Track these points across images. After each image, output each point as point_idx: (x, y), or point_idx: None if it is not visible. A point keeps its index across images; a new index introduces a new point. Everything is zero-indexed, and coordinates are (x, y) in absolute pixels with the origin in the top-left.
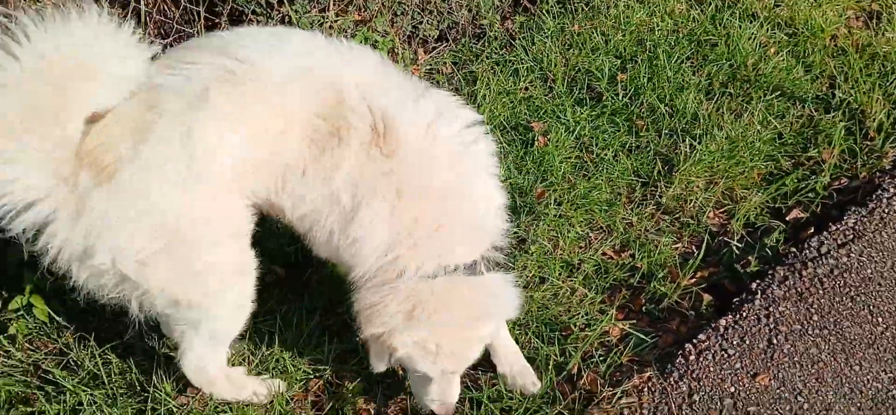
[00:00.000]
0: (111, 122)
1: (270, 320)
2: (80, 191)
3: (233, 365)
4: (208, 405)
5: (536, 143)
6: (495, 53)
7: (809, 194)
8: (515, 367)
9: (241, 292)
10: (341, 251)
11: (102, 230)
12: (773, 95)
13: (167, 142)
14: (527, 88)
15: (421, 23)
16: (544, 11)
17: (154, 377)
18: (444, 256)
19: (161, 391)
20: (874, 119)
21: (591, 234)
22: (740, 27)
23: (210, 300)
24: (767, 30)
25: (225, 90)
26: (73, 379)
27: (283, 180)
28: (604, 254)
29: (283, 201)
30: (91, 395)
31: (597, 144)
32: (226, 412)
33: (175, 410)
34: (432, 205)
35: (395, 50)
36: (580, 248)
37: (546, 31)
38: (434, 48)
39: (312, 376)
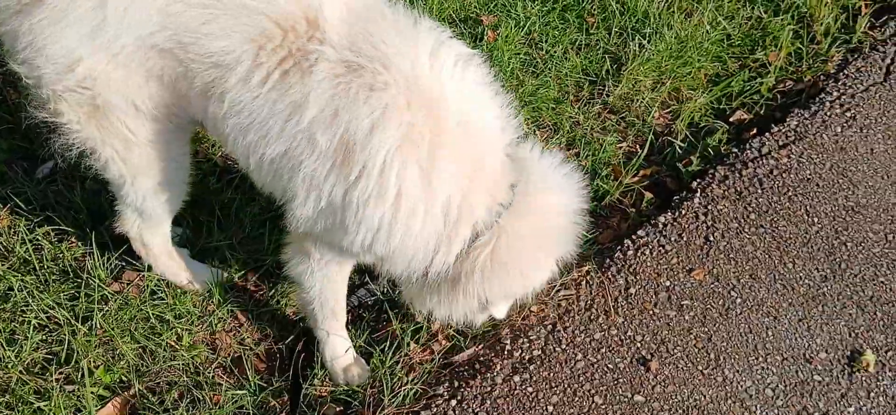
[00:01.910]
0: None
1: (208, 209)
2: None
3: None
4: (144, 291)
5: (486, 37)
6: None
7: (754, 96)
8: None
9: (163, 175)
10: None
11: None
12: None
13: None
14: None
15: None
16: None
17: (88, 263)
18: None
19: (95, 278)
20: (822, 23)
21: (537, 131)
22: None
23: (130, 172)
24: None
25: None
26: (2, 264)
27: None
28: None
29: None
30: (22, 280)
31: (546, 41)
32: (162, 299)
33: (109, 296)
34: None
35: None
36: None
37: None
38: None
39: (252, 266)
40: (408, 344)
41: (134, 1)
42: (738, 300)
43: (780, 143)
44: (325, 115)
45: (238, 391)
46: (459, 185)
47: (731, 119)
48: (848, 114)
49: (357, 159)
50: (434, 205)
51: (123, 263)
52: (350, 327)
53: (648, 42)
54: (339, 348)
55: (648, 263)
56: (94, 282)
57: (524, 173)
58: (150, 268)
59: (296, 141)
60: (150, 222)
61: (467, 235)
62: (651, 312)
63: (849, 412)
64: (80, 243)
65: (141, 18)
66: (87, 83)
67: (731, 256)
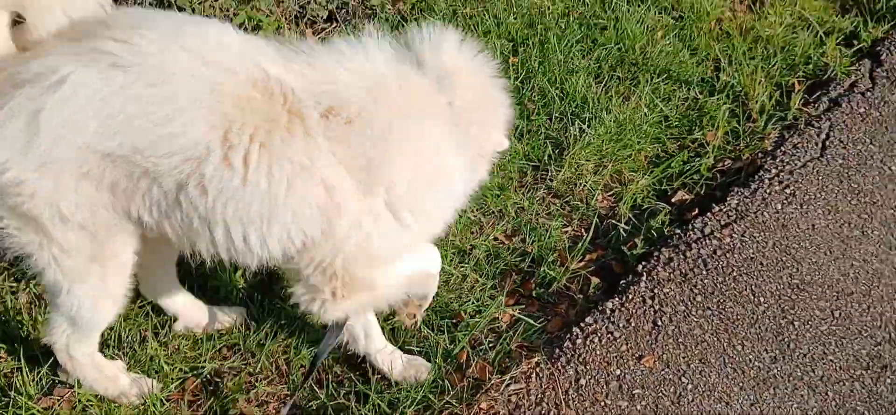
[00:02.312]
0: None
1: (142, 312)
2: None
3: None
4: (75, 407)
5: None
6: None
7: (694, 176)
8: (400, 360)
9: (99, 285)
10: None
11: None
12: (660, 79)
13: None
14: None
15: (308, 3)
16: None
17: (16, 380)
18: None
19: (23, 395)
20: (757, 101)
21: (483, 219)
22: (629, 11)
23: (66, 280)
24: (655, 14)
25: None
26: None
27: None
28: (495, 239)
29: None
30: None
31: None
32: (93, 413)
33: (38, 413)
34: None
35: (281, 30)
36: (472, 233)
37: (438, 12)
38: (323, 29)
39: (189, 375)
40: None
41: (71, 116)
42: (690, 386)
43: (722, 222)
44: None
45: None
46: None
47: (672, 200)
48: (787, 191)
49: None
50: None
51: (54, 379)
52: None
53: (588, 126)
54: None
55: (598, 352)
56: (23, 399)
57: None
58: (79, 383)
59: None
60: (80, 333)
61: None
62: (603, 403)
63: None
64: (9, 358)
65: (79, 129)
66: (18, 189)
67: (679, 340)
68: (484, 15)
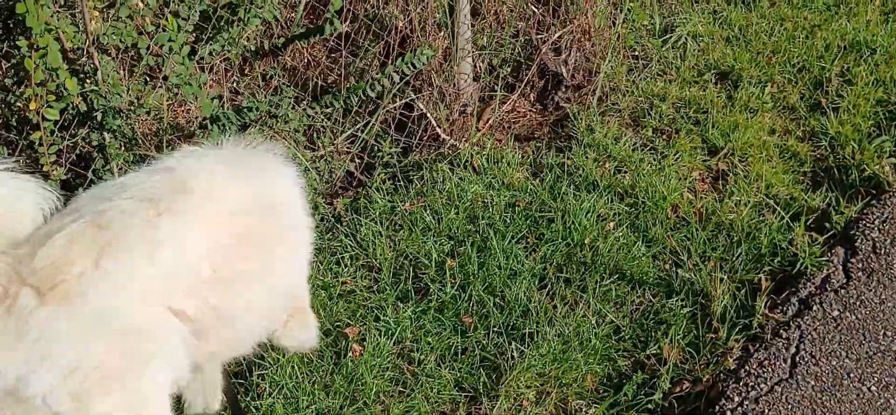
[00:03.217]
0: (62, 241)
1: None
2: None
3: None
4: None
5: (350, 352)
6: (319, 239)
7: (649, 406)
8: None
9: None
10: None
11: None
12: (611, 279)
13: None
14: (347, 283)
15: None
16: (374, 188)
17: None
18: None
19: None
20: (718, 303)
21: None
22: (579, 199)
23: None
24: (607, 201)
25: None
26: None
27: None
28: None
29: None
30: None
31: (419, 350)
32: None
33: None
34: None
35: None
36: None
37: (375, 210)
38: None
39: None
40: None
41: None
42: None
43: None
44: None
45: None
46: None
47: None
48: None
49: None
50: None
51: None
52: None
53: (530, 344)
54: None
55: None
56: None
57: None
58: None
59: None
60: None
61: None
62: None
63: None
64: None
65: None
66: None
67: None
68: (423, 211)
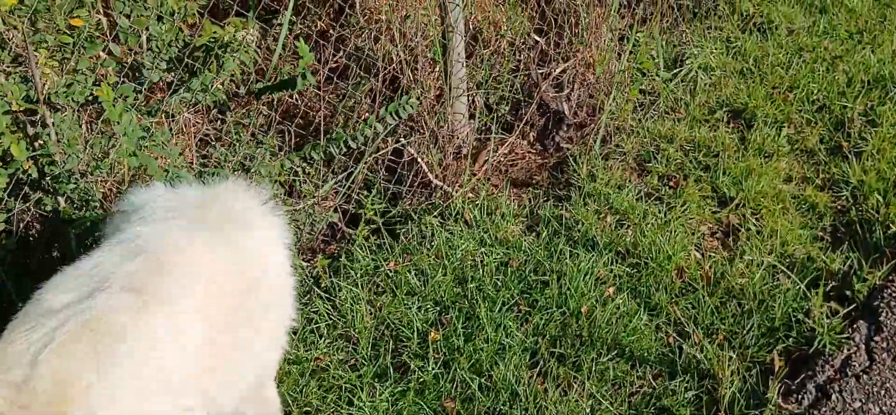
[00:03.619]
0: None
1: None
2: None
3: None
4: None
5: None
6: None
7: None
8: None
9: None
10: None
11: None
12: (610, 356)
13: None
14: (320, 359)
15: None
16: (357, 244)
17: None
18: None
19: None
20: (726, 388)
21: None
22: (577, 259)
23: None
24: (607, 261)
25: None
26: None
27: None
28: None
29: None
30: None
31: None
32: None
33: None
34: None
35: None
36: None
37: (356, 271)
38: None
39: None
40: None
41: None
42: None
43: None
44: None
45: None
46: None
47: None
48: None
49: None
50: None
51: None
52: None
53: None
54: None
55: None
56: None
57: None
58: None
59: None
60: None
61: None
62: None
63: None
64: None
65: None
66: None
67: None
68: (409, 270)
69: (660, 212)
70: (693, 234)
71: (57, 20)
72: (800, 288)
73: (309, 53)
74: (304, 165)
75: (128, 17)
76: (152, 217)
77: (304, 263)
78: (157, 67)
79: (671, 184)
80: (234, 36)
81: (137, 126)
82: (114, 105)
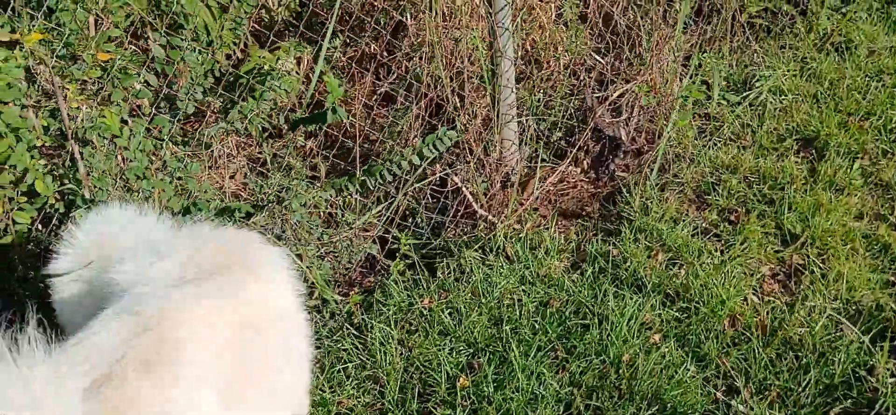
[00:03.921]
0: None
1: None
2: None
3: None
4: None
5: None
6: (325, 340)
7: None
8: None
9: None
10: None
11: None
12: (650, 412)
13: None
14: (344, 403)
15: None
16: (392, 280)
17: None
18: None
19: None
20: None
21: None
22: (621, 302)
23: None
24: (655, 304)
25: None
26: None
27: None
28: None
29: None
30: None
31: None
32: None
33: None
34: None
35: None
36: None
37: (389, 308)
38: None
39: None
40: None
41: None
42: None
43: None
44: None
45: None
46: None
47: None
48: None
49: None
50: None
51: None
52: None
53: None
54: None
55: None
56: None
57: None
58: None
59: None
60: None
61: None
62: None
63: None
64: None
65: None
66: None
67: None
68: (444, 308)
69: (716, 250)
70: (751, 275)
71: (86, 55)
72: (864, 342)
73: (338, 88)
74: (342, 196)
75: (163, 48)
76: (149, 277)
77: (339, 298)
78: (191, 98)
79: (731, 219)
80: (274, 63)
81: (142, 153)
82: (121, 132)
